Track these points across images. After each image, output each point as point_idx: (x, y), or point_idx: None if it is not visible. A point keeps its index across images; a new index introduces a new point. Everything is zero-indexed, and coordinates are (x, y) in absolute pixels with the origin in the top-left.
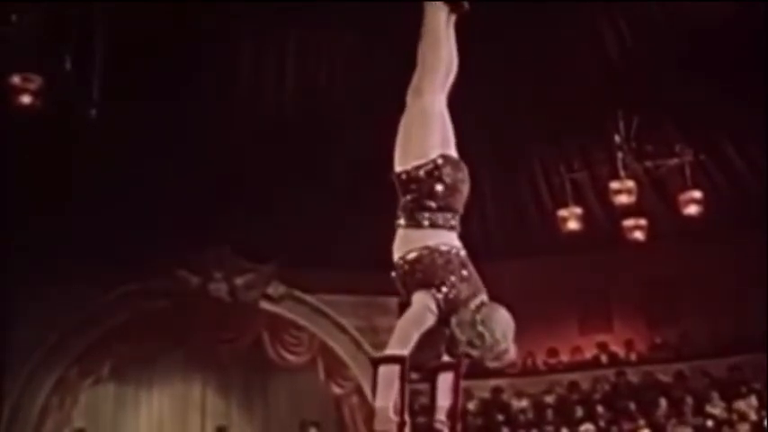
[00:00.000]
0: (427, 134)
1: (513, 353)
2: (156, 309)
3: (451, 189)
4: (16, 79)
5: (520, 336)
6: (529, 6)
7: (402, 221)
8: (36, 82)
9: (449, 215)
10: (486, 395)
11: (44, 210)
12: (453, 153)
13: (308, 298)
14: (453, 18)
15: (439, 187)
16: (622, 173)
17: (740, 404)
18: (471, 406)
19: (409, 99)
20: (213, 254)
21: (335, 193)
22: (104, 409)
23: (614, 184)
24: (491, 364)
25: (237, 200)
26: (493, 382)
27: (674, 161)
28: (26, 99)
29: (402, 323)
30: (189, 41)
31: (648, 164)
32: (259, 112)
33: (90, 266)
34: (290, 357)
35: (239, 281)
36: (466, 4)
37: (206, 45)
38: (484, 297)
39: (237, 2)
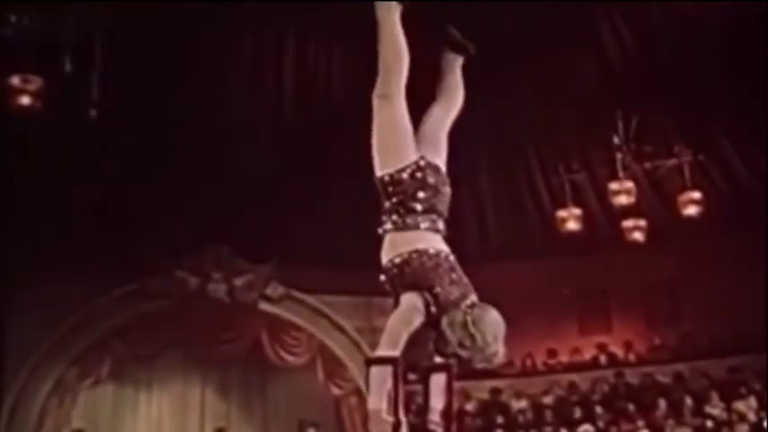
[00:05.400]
0: (402, 137)
1: (502, 355)
2: (155, 309)
3: (434, 190)
4: (16, 80)
5: (519, 336)
6: (528, 7)
7: (388, 226)
8: (36, 83)
9: (434, 217)
10: (485, 396)
11: (44, 210)
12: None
13: (307, 298)
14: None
15: (422, 189)
16: (621, 174)
17: (739, 405)
18: (470, 407)
19: (377, 104)
20: (212, 254)
21: (334, 192)
22: (103, 409)
23: (613, 185)
24: (480, 366)
25: (237, 200)
26: (492, 383)
27: (674, 162)
28: (25, 100)
29: (391, 323)
30: (189, 42)
31: (648, 165)
32: (258, 112)
33: (89, 267)
34: (289, 358)
35: (238, 281)
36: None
37: (206, 45)
38: (474, 298)
39: (237, 2)
